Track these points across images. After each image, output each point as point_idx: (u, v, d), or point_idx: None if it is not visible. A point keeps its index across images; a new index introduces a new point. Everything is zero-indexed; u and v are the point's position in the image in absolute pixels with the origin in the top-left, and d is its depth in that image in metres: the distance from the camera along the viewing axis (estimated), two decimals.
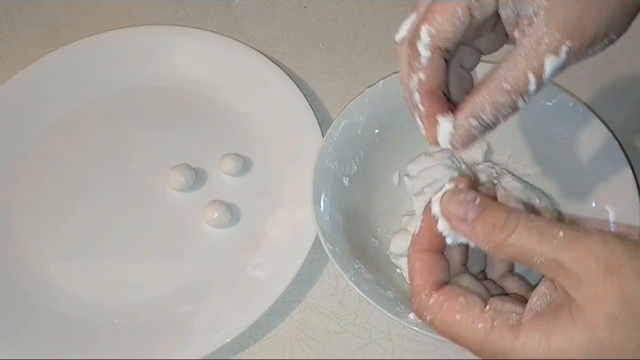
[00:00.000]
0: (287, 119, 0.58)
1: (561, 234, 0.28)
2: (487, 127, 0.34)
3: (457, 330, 0.30)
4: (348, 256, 0.48)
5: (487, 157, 0.54)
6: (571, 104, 0.51)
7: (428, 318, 0.32)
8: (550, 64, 0.32)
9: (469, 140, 0.35)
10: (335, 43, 0.64)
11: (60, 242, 0.55)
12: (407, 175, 0.51)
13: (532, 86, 0.33)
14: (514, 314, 0.30)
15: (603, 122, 0.50)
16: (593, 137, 0.50)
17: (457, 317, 0.30)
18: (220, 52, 0.61)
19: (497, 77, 0.33)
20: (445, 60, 0.35)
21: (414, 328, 0.44)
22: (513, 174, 0.51)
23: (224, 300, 0.51)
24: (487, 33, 0.37)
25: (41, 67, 0.62)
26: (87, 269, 0.54)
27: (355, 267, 0.47)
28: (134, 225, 0.55)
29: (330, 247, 0.47)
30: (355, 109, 0.53)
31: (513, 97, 0.33)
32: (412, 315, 0.45)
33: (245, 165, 0.57)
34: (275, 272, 0.51)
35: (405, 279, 0.50)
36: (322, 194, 0.50)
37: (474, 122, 0.34)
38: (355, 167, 0.52)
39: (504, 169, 0.52)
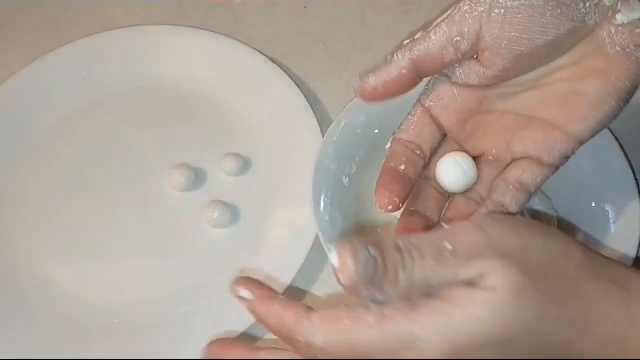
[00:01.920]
0: (287, 119, 0.58)
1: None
2: None
3: (351, 337, 0.28)
4: None
5: None
6: None
7: (318, 340, 0.28)
8: None
9: None
10: (335, 43, 0.64)
11: (59, 242, 0.55)
12: None
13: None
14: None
15: None
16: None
17: (346, 321, 0.28)
18: (220, 52, 0.61)
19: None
20: None
21: None
22: None
23: (224, 300, 0.50)
24: None
25: (41, 67, 0.62)
26: (86, 269, 0.54)
27: None
28: (133, 225, 0.55)
29: (331, 247, 0.47)
30: (355, 109, 0.53)
31: None
32: None
33: (245, 165, 0.57)
34: (275, 272, 0.51)
35: None
36: (322, 194, 0.50)
37: None
38: (355, 167, 0.52)
39: None
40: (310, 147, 0.53)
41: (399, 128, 0.42)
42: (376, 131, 0.53)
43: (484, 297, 0.28)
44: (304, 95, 0.58)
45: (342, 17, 0.66)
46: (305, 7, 0.67)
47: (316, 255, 0.52)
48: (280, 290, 0.49)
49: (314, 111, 0.57)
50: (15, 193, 0.58)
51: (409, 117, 0.42)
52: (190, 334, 0.49)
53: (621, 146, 0.49)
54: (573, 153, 0.39)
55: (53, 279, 0.53)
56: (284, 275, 0.50)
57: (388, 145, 0.41)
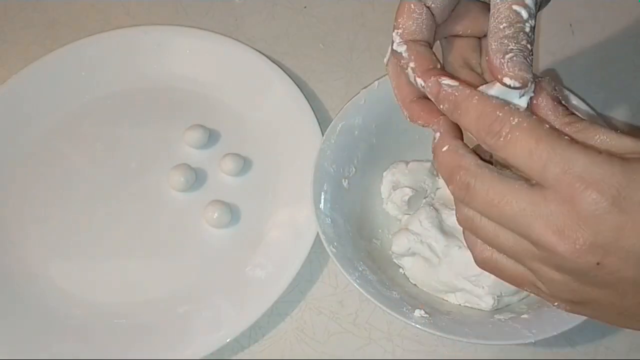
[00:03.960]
0: (287, 119, 0.58)
1: None
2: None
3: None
4: (352, 258, 0.48)
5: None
6: (573, 103, 0.51)
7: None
8: None
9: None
10: (335, 43, 0.64)
11: (59, 242, 0.55)
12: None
13: (524, 14, 0.34)
14: None
15: (603, 121, 0.50)
16: None
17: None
18: (220, 52, 0.61)
19: (492, 29, 0.34)
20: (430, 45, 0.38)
21: (421, 327, 0.44)
22: None
23: (224, 300, 0.51)
24: None
25: (41, 67, 0.62)
26: (86, 268, 0.54)
27: (360, 269, 0.47)
28: (134, 225, 0.55)
29: (334, 250, 0.47)
30: (352, 111, 0.53)
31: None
32: (417, 312, 0.45)
33: (245, 165, 0.57)
34: (275, 272, 0.51)
35: (408, 278, 0.50)
36: (323, 197, 0.50)
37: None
38: (354, 169, 0.52)
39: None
40: (310, 147, 0.53)
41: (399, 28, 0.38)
42: (373, 133, 0.53)
43: None
44: (304, 95, 0.58)
45: (342, 17, 0.66)
46: (305, 7, 0.67)
47: (316, 255, 0.52)
48: (280, 290, 0.49)
49: (314, 111, 0.57)
50: (15, 193, 0.58)
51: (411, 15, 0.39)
52: (190, 334, 0.49)
53: None
54: None
55: (53, 279, 0.53)
56: (284, 275, 0.50)
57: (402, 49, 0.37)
